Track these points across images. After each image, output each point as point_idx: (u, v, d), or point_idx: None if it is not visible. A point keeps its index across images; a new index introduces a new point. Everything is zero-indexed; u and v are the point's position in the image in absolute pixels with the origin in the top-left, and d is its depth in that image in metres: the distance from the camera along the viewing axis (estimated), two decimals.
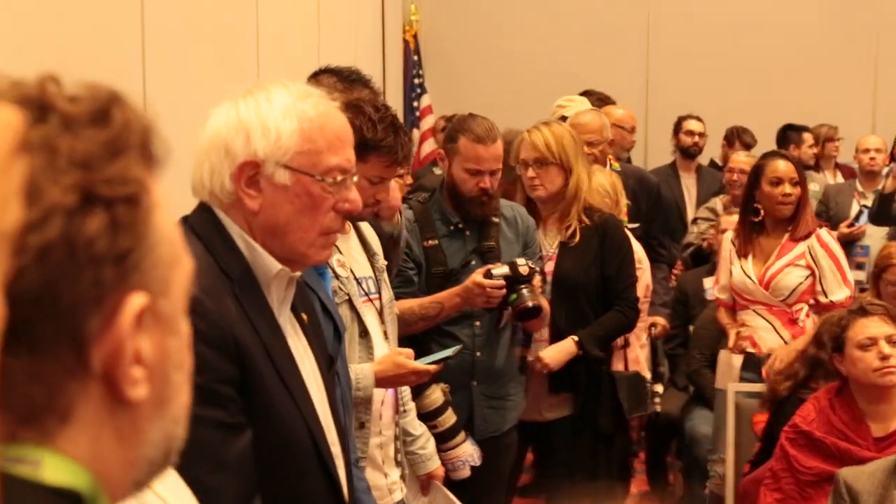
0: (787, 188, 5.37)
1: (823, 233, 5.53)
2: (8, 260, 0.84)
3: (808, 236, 5.41)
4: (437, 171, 7.64)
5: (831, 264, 5.41)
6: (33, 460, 0.89)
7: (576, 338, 4.78)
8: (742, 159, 7.64)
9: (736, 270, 5.43)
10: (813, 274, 5.36)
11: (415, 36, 10.77)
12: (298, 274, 2.42)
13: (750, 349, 5.38)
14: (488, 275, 4.25)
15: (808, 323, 5.35)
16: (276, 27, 6.07)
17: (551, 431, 4.92)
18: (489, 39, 11.11)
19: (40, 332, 0.87)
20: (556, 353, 4.76)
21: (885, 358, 4.00)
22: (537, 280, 4.38)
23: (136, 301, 0.93)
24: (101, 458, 0.94)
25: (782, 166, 5.43)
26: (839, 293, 5.38)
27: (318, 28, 7.11)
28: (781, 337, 5.33)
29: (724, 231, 6.06)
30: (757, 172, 5.44)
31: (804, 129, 9.23)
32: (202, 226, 2.31)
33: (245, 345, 2.23)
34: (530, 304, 4.28)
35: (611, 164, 6.37)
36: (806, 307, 5.41)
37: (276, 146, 2.28)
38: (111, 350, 0.93)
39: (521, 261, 4.32)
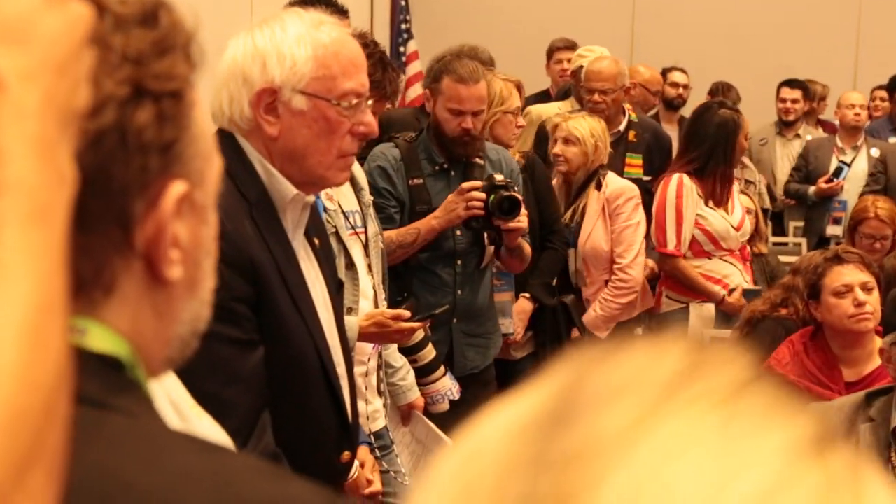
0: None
1: None
2: (77, 136, 0.92)
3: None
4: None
5: None
6: (79, 329, 0.97)
7: (527, 294, 4.97)
8: None
9: (716, 219, 5.48)
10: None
11: None
12: (313, 198, 2.50)
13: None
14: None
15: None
16: None
17: (519, 368, 5.08)
18: None
19: (92, 210, 0.94)
20: (519, 321, 4.99)
21: (859, 305, 4.07)
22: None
23: (177, 188, 1.02)
24: (140, 332, 1.02)
25: None
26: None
27: None
28: (744, 279, 5.56)
29: None
30: (737, 125, 5.52)
31: (801, 84, 9.22)
32: (222, 150, 2.34)
33: (260, 265, 2.33)
34: (509, 192, 4.33)
35: (629, 115, 6.40)
36: None
37: (291, 72, 2.36)
38: (153, 231, 1.00)
39: (498, 176, 4.41)
